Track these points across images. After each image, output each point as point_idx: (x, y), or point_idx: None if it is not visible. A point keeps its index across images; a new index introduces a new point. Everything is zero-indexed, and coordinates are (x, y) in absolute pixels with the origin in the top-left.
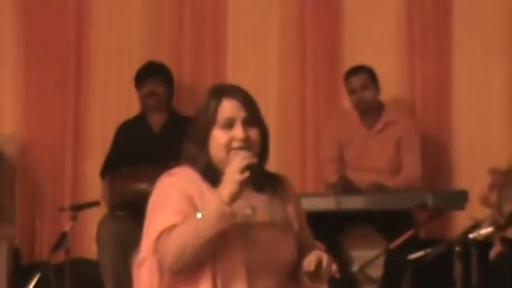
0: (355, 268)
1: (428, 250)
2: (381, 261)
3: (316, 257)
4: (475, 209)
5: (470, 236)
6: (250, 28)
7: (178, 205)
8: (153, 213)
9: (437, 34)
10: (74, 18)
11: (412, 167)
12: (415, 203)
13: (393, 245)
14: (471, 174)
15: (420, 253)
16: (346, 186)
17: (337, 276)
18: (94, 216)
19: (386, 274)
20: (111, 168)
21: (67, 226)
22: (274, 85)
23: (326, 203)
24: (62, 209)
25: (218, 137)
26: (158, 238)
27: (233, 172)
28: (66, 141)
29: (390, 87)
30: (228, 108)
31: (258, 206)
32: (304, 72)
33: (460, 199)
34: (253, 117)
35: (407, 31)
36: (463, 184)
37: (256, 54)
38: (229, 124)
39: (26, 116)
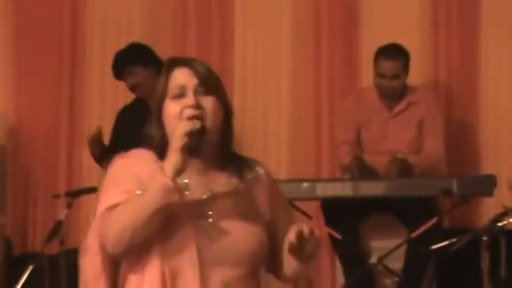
0: (373, 259)
1: (453, 240)
2: (401, 252)
3: (297, 229)
4: (503, 196)
5: (499, 224)
6: (260, 5)
7: (125, 185)
8: (100, 196)
9: (464, 5)
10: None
11: (433, 148)
12: (438, 189)
13: (415, 234)
14: (499, 158)
15: (444, 243)
16: (361, 168)
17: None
18: (91, 204)
19: (407, 266)
20: (111, 153)
21: (62, 214)
22: (287, 65)
23: (342, 189)
24: (56, 196)
25: (169, 108)
26: (100, 221)
27: (174, 141)
28: (60, 124)
29: (412, 64)
30: (178, 76)
31: (218, 190)
32: (318, 50)
33: (487, 185)
34: (207, 84)
35: (431, 2)
36: (490, 169)
37: (266, 32)
38: (181, 93)
39: (16, 97)
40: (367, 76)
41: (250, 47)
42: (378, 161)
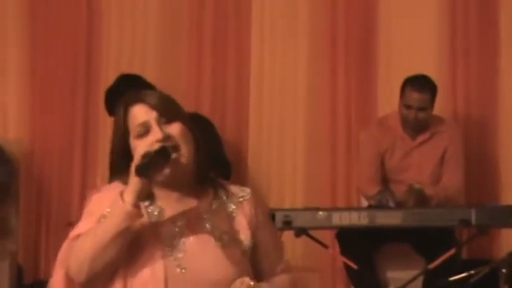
0: None
1: (471, 272)
2: (418, 283)
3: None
4: None
5: None
6: (277, 25)
7: (93, 217)
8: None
9: (482, 33)
10: (84, 19)
11: (452, 180)
12: (457, 220)
13: (432, 265)
14: None
15: (462, 275)
16: (388, 198)
17: None
18: None
19: None
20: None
21: None
22: (303, 90)
23: (358, 218)
24: (69, 224)
25: (139, 148)
26: (65, 251)
27: (133, 164)
28: (74, 151)
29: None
30: (136, 114)
31: (190, 215)
32: (335, 74)
33: (507, 215)
34: (167, 112)
35: (449, 29)
36: (510, 199)
37: (283, 54)
38: (145, 131)
39: (31, 123)
40: (383, 101)
41: (267, 68)
42: (398, 190)
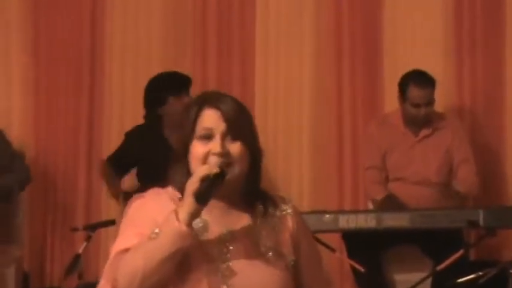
0: None
1: (479, 273)
2: (426, 285)
3: None
4: None
5: None
6: (282, 30)
7: (139, 227)
8: (117, 238)
9: (488, 30)
10: (88, 18)
11: (468, 175)
12: (465, 221)
13: (440, 267)
14: None
15: (471, 276)
16: (393, 206)
17: None
18: (109, 237)
19: None
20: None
21: (80, 247)
22: (308, 93)
23: (365, 221)
24: (74, 229)
25: (195, 150)
26: (112, 264)
27: (189, 184)
28: (79, 154)
29: (436, 91)
30: (207, 118)
31: (237, 232)
32: (340, 77)
33: None
34: (235, 129)
35: (455, 26)
36: None
37: (288, 58)
38: (208, 136)
39: (35, 127)
40: (390, 103)
41: (272, 73)
42: (402, 188)
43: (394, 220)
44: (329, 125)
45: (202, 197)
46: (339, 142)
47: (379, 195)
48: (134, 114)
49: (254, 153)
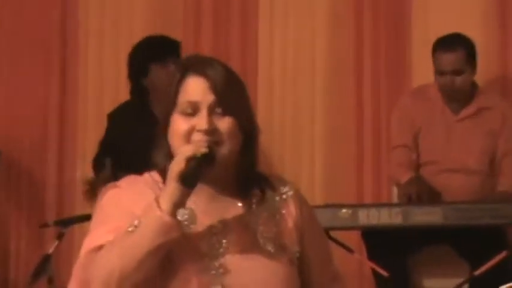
0: None
1: None
2: None
3: None
4: None
5: None
6: None
7: (114, 222)
8: (87, 235)
9: None
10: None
11: None
12: (508, 217)
13: (479, 271)
14: None
15: None
16: (421, 193)
17: None
18: (85, 234)
19: None
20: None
21: (50, 247)
22: (321, 65)
23: (390, 216)
24: (44, 225)
25: (177, 127)
26: (83, 264)
27: (173, 167)
28: (48, 140)
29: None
30: (192, 89)
31: (230, 222)
32: (360, 43)
33: None
34: (225, 102)
35: None
36: None
37: (297, 23)
38: (193, 110)
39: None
40: (418, 78)
41: (278, 40)
42: (435, 175)
43: (424, 215)
44: (346, 105)
45: (188, 181)
46: (357, 124)
47: (405, 178)
48: (115, 96)
49: (248, 131)
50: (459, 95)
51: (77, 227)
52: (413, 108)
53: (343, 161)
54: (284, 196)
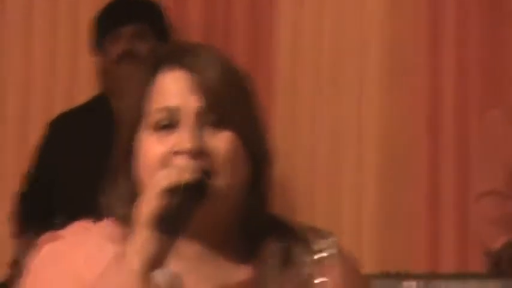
0: None
1: None
2: None
3: None
4: None
5: None
6: None
7: None
8: None
9: None
10: None
11: None
12: None
13: None
14: None
15: None
16: None
17: None
18: None
19: None
20: (34, 211)
21: None
22: (375, 47)
23: None
24: None
25: (148, 148)
26: None
27: (144, 206)
28: None
29: None
30: (167, 88)
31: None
32: (435, 26)
33: None
34: (221, 108)
35: None
36: None
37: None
38: (171, 120)
39: None
40: None
41: (305, 19)
42: None
43: None
44: (413, 116)
45: (167, 225)
46: (429, 146)
47: (498, 242)
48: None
49: (257, 154)
50: None
51: None
52: (506, 133)
53: (408, 206)
54: (320, 256)
